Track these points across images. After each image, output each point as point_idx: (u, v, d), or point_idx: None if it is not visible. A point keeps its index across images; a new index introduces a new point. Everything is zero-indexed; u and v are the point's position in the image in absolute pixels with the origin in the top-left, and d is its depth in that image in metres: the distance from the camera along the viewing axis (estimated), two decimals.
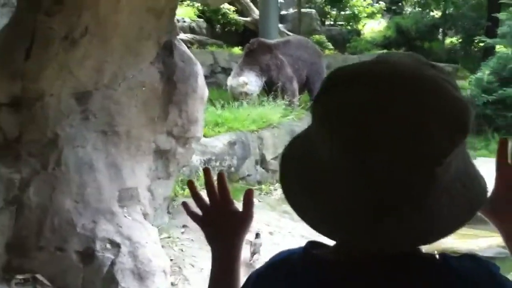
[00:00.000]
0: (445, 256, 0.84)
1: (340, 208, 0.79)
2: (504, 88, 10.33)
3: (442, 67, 0.82)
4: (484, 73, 10.80)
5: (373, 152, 0.75)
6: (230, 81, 8.27)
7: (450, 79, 0.80)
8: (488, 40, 12.32)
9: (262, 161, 6.75)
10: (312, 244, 0.92)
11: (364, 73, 0.82)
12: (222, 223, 1.14)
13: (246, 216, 1.13)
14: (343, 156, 0.77)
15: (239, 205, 1.16)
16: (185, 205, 1.22)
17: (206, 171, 1.22)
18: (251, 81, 8.04)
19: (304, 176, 0.85)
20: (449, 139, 0.75)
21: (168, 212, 4.84)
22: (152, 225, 4.12)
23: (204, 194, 1.22)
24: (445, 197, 0.78)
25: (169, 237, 4.55)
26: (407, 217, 0.76)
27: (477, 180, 0.84)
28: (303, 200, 0.85)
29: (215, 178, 1.18)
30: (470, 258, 0.85)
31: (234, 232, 1.13)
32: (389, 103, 0.76)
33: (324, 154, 0.80)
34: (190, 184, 1.23)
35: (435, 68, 0.80)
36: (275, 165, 6.82)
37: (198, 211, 1.20)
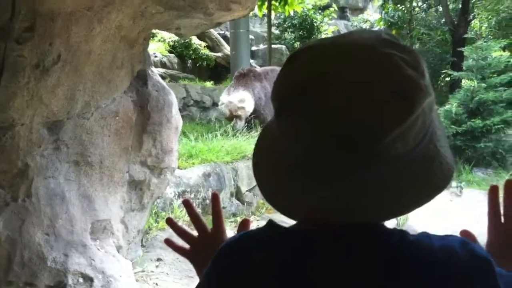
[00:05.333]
0: (403, 231, 0.82)
1: (284, 175, 0.80)
2: (473, 120, 10.55)
3: (409, 47, 0.80)
4: (452, 105, 11.02)
5: (306, 120, 0.75)
6: (225, 98, 8.23)
7: (408, 57, 0.77)
8: (455, 74, 12.63)
9: (237, 193, 6.67)
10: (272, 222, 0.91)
11: (315, 46, 0.81)
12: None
13: None
14: (282, 121, 0.79)
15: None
16: (168, 241, 1.18)
17: (187, 203, 1.19)
18: (248, 99, 8.02)
19: (267, 152, 0.86)
20: (389, 115, 0.72)
21: (142, 246, 4.71)
22: (126, 258, 3.99)
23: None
24: (390, 175, 0.76)
25: (143, 271, 4.42)
26: (346, 187, 0.75)
27: (436, 167, 0.80)
28: (266, 179, 0.86)
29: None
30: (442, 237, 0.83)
31: None
32: (332, 75, 0.74)
33: (274, 126, 0.82)
34: (169, 221, 1.19)
35: (394, 46, 0.78)
36: (250, 197, 6.75)
37: (183, 244, 1.15)
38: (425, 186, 0.78)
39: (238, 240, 0.93)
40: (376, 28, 16.79)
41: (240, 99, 8.08)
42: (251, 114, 8.39)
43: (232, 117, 8.22)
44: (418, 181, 0.77)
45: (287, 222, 0.88)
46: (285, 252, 0.83)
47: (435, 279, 0.77)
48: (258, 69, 9.32)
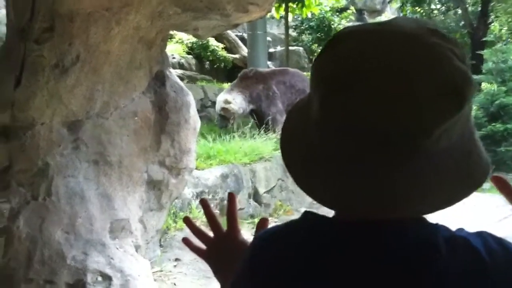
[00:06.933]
0: (446, 227, 0.80)
1: (319, 163, 0.76)
2: (493, 123, 10.43)
3: (452, 37, 0.76)
4: (472, 108, 10.93)
5: (348, 115, 0.71)
6: (220, 95, 8.59)
7: (456, 49, 0.74)
8: (474, 77, 12.45)
9: (255, 194, 6.67)
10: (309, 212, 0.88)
11: (359, 33, 0.77)
12: (229, 255, 1.06)
13: None
14: (320, 110, 0.74)
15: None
16: (186, 240, 1.16)
17: (204, 203, 1.17)
18: (236, 102, 8.21)
19: (299, 138, 0.82)
20: (440, 109, 0.69)
21: (160, 245, 4.74)
22: (144, 258, 4.01)
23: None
24: (432, 169, 0.72)
25: (161, 271, 4.44)
26: (381, 178, 0.72)
27: (475, 159, 0.77)
28: (296, 161, 0.81)
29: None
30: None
31: None
32: (379, 67, 0.71)
33: (312, 114, 0.77)
34: (187, 221, 1.17)
35: (441, 37, 0.74)
36: (268, 198, 6.74)
37: (200, 244, 1.14)
38: (466, 178, 0.75)
39: (275, 231, 0.90)
40: None
41: (225, 99, 8.27)
42: (262, 116, 8.53)
43: (218, 112, 8.55)
44: (459, 173, 0.75)
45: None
46: (322, 240, 0.81)
47: (489, 278, 0.75)
48: (264, 70, 9.46)
